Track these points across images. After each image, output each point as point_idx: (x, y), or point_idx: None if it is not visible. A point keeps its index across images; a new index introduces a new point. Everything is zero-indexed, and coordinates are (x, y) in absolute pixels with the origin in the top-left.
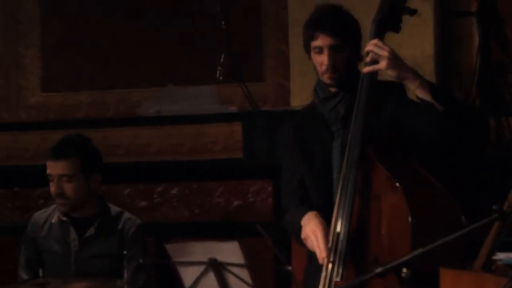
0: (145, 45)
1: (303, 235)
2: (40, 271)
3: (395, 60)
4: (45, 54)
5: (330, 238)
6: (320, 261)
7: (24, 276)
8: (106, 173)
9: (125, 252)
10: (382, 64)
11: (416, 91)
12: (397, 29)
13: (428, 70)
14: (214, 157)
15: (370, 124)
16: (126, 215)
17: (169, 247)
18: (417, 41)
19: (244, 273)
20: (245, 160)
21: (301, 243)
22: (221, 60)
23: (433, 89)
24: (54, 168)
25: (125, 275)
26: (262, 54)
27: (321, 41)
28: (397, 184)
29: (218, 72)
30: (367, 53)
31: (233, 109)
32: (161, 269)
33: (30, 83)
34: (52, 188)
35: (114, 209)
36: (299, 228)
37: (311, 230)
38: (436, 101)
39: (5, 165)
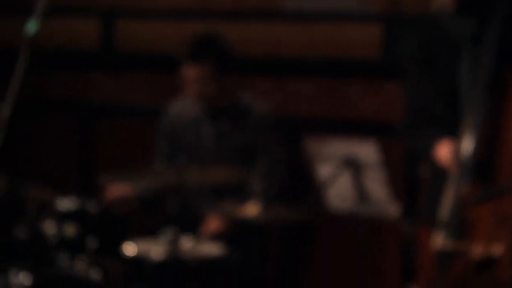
0: None
1: (436, 154)
2: (178, 159)
3: None
4: None
5: (460, 157)
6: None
7: (158, 163)
8: (241, 66)
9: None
10: None
11: None
12: None
13: None
14: (351, 55)
15: (507, 42)
16: (260, 105)
17: (308, 142)
18: None
19: (379, 174)
20: (382, 61)
21: (431, 162)
22: None
23: None
24: (192, 70)
25: (259, 166)
26: None
27: None
28: None
29: None
30: None
31: (374, 10)
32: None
33: None
34: (189, 88)
35: (246, 99)
36: (429, 146)
37: (444, 149)
38: None
39: (147, 51)
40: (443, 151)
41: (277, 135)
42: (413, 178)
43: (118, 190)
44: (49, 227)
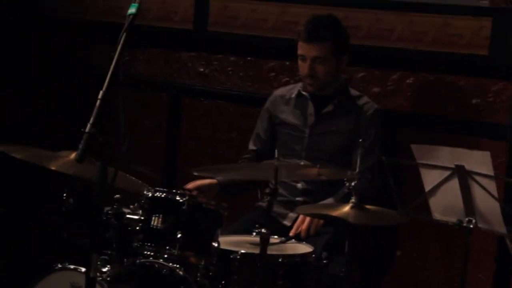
0: None
1: None
2: (276, 152)
3: None
4: None
5: None
6: None
7: (252, 146)
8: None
9: (360, 140)
10: None
11: None
12: None
13: None
14: (458, 51)
15: None
16: (365, 98)
17: (415, 148)
18: None
19: (490, 185)
20: (490, 58)
21: None
22: None
23: None
24: (307, 50)
25: (357, 163)
26: None
27: None
28: None
29: None
30: None
31: (484, 3)
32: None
33: None
34: (304, 68)
35: (354, 91)
36: None
37: None
38: None
39: (241, 33)
40: None
41: (379, 135)
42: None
43: (200, 181)
44: (136, 217)
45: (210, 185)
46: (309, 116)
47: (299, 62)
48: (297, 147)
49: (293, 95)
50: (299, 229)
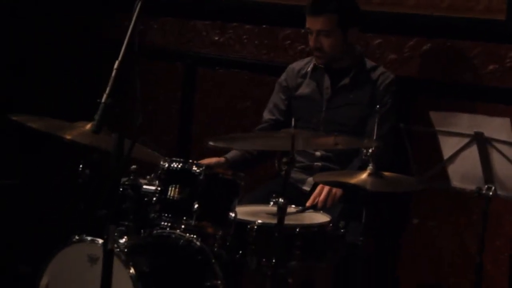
0: None
1: None
2: (292, 121)
3: None
4: None
5: None
6: None
7: (268, 115)
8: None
9: (377, 107)
10: None
11: None
12: None
13: None
14: (474, 16)
15: None
16: (381, 69)
17: (434, 115)
18: None
19: (510, 152)
20: (507, 23)
21: None
22: None
23: None
24: (312, 23)
25: (375, 131)
26: None
27: None
28: None
29: None
30: None
31: None
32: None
33: None
34: (311, 41)
35: (369, 63)
36: None
37: None
38: None
39: (255, 1)
40: None
41: (395, 104)
42: None
43: (207, 159)
44: (153, 188)
45: (217, 163)
46: (325, 90)
47: (308, 35)
48: (314, 120)
49: (309, 69)
50: (316, 200)
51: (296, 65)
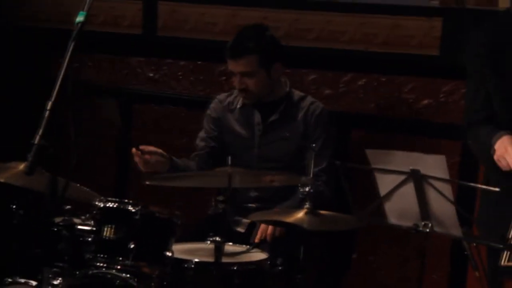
0: None
1: (496, 156)
2: (228, 159)
3: None
4: None
5: None
6: None
7: (202, 143)
8: (293, 57)
9: (313, 145)
10: None
11: None
12: None
13: None
14: (408, 51)
15: None
16: (310, 98)
17: (370, 152)
18: None
19: (446, 188)
20: (441, 58)
21: (488, 164)
22: None
23: None
24: (234, 66)
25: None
26: None
27: None
28: None
29: None
30: None
31: (435, 3)
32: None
33: None
34: (235, 83)
35: (297, 94)
36: (489, 147)
37: (505, 149)
38: None
39: (190, 38)
40: (502, 148)
41: (330, 135)
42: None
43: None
44: (88, 228)
45: (162, 155)
46: (256, 126)
47: (233, 76)
48: (247, 157)
49: (239, 105)
50: (263, 235)
51: (224, 98)
